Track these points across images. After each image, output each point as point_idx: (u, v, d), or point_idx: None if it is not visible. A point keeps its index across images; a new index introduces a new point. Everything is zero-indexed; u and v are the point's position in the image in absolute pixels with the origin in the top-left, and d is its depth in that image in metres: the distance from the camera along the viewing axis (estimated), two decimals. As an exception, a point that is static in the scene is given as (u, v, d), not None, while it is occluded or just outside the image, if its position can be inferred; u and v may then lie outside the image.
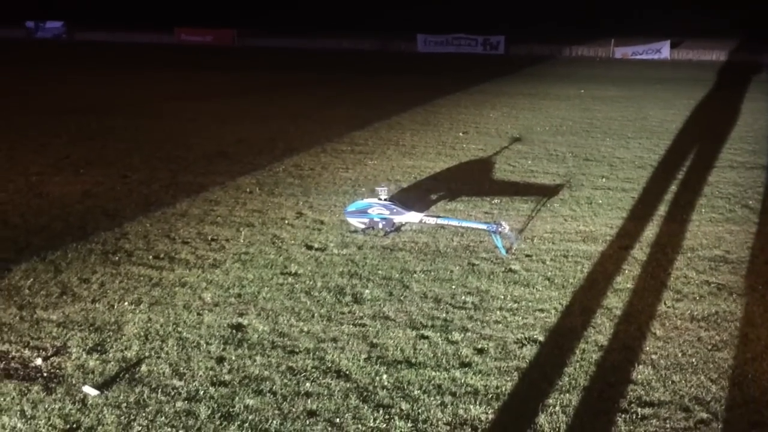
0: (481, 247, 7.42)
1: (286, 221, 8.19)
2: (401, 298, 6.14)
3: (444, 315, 5.81)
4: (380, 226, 7.76)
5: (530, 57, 38.10)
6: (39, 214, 8.28)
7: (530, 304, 6.06)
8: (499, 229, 7.31)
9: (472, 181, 10.32)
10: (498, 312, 5.88)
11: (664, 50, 39.96)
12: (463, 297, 6.17)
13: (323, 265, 6.87)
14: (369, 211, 7.79)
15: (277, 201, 9.00)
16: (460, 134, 14.04)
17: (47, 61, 31.00)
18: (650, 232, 8.06)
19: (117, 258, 6.93)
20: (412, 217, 7.80)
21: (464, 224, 7.82)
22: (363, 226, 7.82)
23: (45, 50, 37.66)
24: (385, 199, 7.82)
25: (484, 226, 7.57)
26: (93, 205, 8.71)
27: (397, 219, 7.80)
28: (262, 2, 58.32)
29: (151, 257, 6.99)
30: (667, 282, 6.59)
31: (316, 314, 5.78)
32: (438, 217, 7.93)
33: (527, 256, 7.22)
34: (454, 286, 6.40)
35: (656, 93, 22.20)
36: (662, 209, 8.98)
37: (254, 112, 16.63)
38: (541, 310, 5.93)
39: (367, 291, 6.26)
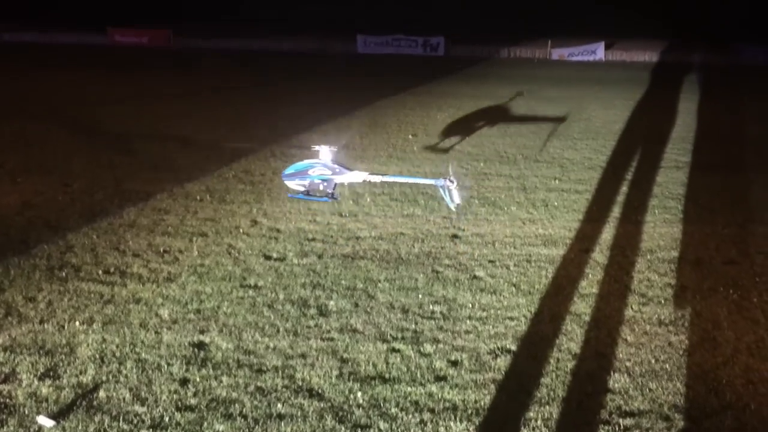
0: (443, 253, 7.31)
1: (241, 230, 7.92)
2: (368, 309, 5.96)
3: (413, 326, 5.66)
4: (321, 187, 7.45)
5: (470, 58, 38.34)
6: (-25, 228, 7.79)
7: (499, 312, 5.96)
8: (447, 184, 7.18)
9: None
10: (468, 321, 5.76)
11: (598, 51, 40.74)
12: (431, 306, 6.04)
13: (284, 276, 6.64)
14: (309, 172, 7.43)
15: (230, 209, 8.71)
16: (410, 136, 13.93)
17: (-27, 63, 29.67)
18: (608, 234, 8.08)
19: (64, 274, 6.56)
20: (356, 176, 7.44)
21: (411, 180, 7.57)
22: (302, 189, 7.51)
23: (-31, 51, 36.03)
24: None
25: (431, 182, 7.38)
26: (34, 216, 8.25)
27: (340, 179, 7.45)
28: (198, 2, 57.19)
29: (100, 272, 6.63)
30: (631, 285, 6.60)
31: (281, 329, 5.56)
32: (384, 175, 7.64)
33: (490, 261, 7.13)
34: (420, 295, 6.26)
35: (596, 93, 22.54)
36: (616, 211, 9.04)
37: (197, 116, 16.17)
38: (511, 318, 5.84)
39: (331, 302, 6.07)
